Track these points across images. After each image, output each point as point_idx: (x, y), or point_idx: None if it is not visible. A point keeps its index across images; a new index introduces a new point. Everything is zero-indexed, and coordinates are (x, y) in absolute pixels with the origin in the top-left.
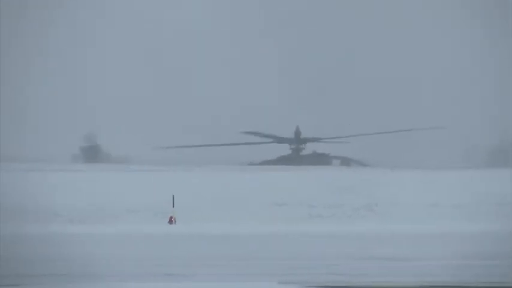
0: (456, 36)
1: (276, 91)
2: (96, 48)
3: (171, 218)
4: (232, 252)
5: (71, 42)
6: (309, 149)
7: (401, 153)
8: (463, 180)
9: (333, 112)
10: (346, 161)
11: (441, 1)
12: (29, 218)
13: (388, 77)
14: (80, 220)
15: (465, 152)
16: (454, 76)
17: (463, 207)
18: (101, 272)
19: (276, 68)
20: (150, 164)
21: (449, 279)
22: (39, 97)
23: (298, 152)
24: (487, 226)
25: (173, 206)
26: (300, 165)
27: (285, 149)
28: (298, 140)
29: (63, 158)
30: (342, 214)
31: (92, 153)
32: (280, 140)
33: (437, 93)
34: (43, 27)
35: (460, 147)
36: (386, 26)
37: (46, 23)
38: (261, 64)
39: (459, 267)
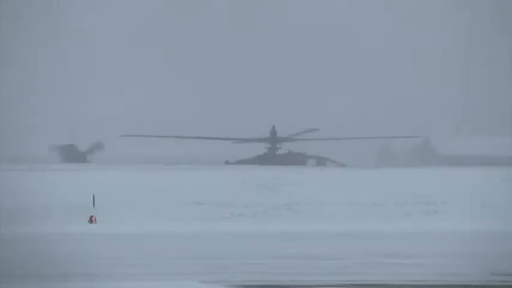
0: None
1: (253, 90)
2: (88, 48)
3: (91, 217)
4: (153, 251)
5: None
6: (284, 148)
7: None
8: (384, 179)
9: (311, 112)
10: (322, 161)
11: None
12: None
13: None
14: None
15: (383, 151)
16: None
17: (383, 207)
18: (26, 273)
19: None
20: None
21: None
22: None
23: (274, 151)
24: (405, 226)
25: (94, 206)
26: (275, 164)
27: (260, 149)
28: (273, 139)
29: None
30: (262, 213)
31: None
32: (255, 139)
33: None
34: (43, 28)
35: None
36: (375, 27)
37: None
38: (241, 63)
39: (377, 265)
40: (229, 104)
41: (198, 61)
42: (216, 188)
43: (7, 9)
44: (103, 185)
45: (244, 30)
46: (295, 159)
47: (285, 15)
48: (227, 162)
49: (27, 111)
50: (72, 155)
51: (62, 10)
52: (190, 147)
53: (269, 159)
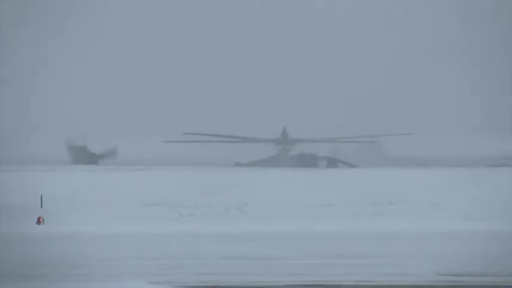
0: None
1: (265, 92)
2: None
3: (39, 218)
4: (103, 252)
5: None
6: (296, 149)
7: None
8: (333, 180)
9: (321, 114)
10: (333, 162)
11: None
12: None
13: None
14: None
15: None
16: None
17: (332, 207)
18: None
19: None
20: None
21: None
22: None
23: (286, 152)
24: (353, 226)
25: (41, 207)
26: (287, 166)
27: (273, 150)
28: (285, 140)
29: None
30: (212, 214)
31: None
32: (267, 140)
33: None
34: (42, 28)
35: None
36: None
37: (46, 23)
38: (253, 65)
39: (326, 266)
40: (240, 105)
41: (209, 62)
42: (165, 189)
43: (7, 9)
44: (52, 186)
45: (258, 31)
46: (307, 161)
47: (300, 16)
48: (238, 164)
49: (29, 111)
50: (84, 156)
51: (64, 10)
52: (198, 149)
53: (281, 160)
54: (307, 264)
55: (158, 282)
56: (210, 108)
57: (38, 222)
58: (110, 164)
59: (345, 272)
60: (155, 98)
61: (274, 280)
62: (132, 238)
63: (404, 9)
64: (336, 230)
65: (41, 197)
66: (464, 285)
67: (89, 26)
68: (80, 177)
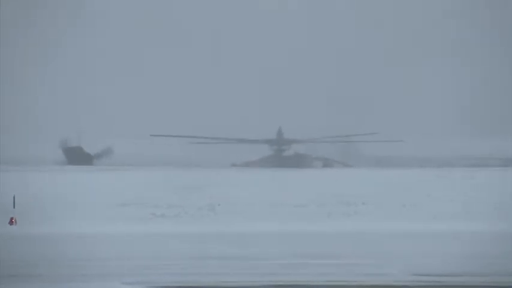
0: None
1: (260, 91)
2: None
3: (11, 219)
4: (75, 252)
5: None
6: (291, 150)
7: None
8: (306, 180)
9: (314, 114)
10: (328, 162)
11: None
12: None
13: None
14: None
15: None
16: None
17: (305, 207)
18: None
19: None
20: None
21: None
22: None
23: (281, 152)
24: (326, 226)
25: (14, 207)
26: (282, 166)
27: (267, 150)
28: (280, 141)
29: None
30: (184, 214)
31: None
32: (262, 141)
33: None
34: (44, 28)
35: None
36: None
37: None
38: (246, 66)
39: (299, 266)
40: (235, 105)
41: (203, 62)
42: (138, 189)
43: (7, 9)
44: (26, 186)
45: (252, 32)
46: (302, 161)
47: (293, 17)
48: (233, 164)
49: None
50: (79, 157)
51: (64, 10)
52: (195, 150)
53: (276, 160)
54: (280, 264)
55: (131, 283)
56: (204, 109)
57: (11, 222)
58: (100, 164)
59: (317, 272)
60: (148, 98)
61: (246, 280)
62: (105, 238)
63: (400, 9)
64: (309, 230)
65: (14, 197)
66: (458, 285)
67: (87, 26)
68: (57, 178)
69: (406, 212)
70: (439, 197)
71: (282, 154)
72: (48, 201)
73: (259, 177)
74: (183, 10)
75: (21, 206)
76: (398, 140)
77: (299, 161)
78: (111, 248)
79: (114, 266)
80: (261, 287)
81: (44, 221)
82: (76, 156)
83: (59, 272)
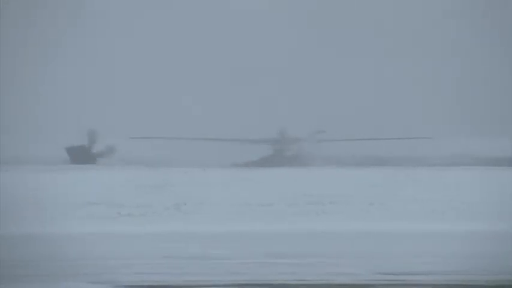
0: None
1: (261, 90)
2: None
3: None
4: (40, 252)
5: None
6: (292, 149)
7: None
8: (273, 179)
9: (318, 114)
10: (329, 161)
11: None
12: None
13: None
14: None
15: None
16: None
17: (272, 207)
18: None
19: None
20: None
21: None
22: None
23: (282, 152)
24: (293, 225)
25: None
26: (283, 166)
27: (268, 150)
28: (282, 140)
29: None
30: (151, 213)
31: None
32: (263, 140)
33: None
34: (44, 27)
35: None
36: (374, 29)
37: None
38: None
39: (267, 265)
40: (236, 104)
41: (204, 61)
42: (104, 188)
43: (8, 9)
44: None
45: (254, 30)
46: (303, 161)
47: (296, 15)
48: (234, 164)
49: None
50: (82, 156)
51: (65, 9)
52: (193, 149)
53: (277, 160)
54: (246, 263)
55: (98, 282)
56: (204, 109)
57: None
58: (103, 162)
59: (284, 272)
60: (147, 98)
61: (212, 279)
62: (71, 238)
63: (400, 9)
64: (276, 230)
65: None
66: (424, 284)
67: (90, 25)
68: (26, 178)
69: (374, 211)
70: (407, 196)
71: (283, 154)
72: (11, 201)
73: (228, 176)
74: (183, 10)
75: None
76: (427, 137)
77: (300, 161)
78: (77, 248)
79: (80, 265)
80: (227, 287)
81: (8, 222)
82: (79, 155)
83: (24, 273)
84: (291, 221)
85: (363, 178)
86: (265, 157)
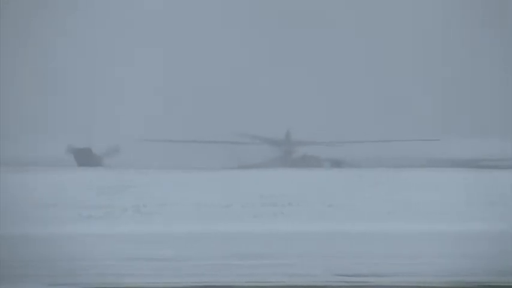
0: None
1: (268, 92)
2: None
3: None
4: (0, 254)
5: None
6: (299, 151)
7: None
8: (231, 180)
9: (326, 116)
10: (337, 164)
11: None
12: None
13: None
14: None
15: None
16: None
17: (230, 208)
18: None
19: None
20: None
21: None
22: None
23: (289, 154)
24: (252, 227)
25: None
26: (290, 167)
27: (275, 152)
28: (289, 142)
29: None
30: (111, 215)
31: None
32: (270, 142)
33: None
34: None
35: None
36: (379, 27)
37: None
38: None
39: (225, 267)
40: (243, 106)
41: (210, 61)
42: (64, 190)
43: (8, 9)
44: None
45: (262, 29)
46: (310, 163)
47: (304, 16)
48: (240, 166)
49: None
50: (88, 158)
51: (67, 9)
52: (199, 151)
53: (284, 162)
54: (204, 265)
55: (56, 284)
56: (208, 110)
57: None
58: (108, 164)
59: (242, 273)
60: (154, 98)
61: (171, 281)
62: (31, 239)
63: (399, 8)
64: (235, 231)
65: None
66: (382, 285)
67: (92, 25)
68: None
69: (332, 213)
70: (366, 197)
71: (290, 156)
72: None
73: (187, 177)
74: (183, 10)
75: None
76: (435, 139)
77: (307, 163)
78: (36, 249)
79: (39, 267)
80: None
81: None
82: (85, 158)
83: None
84: (249, 223)
85: (322, 179)
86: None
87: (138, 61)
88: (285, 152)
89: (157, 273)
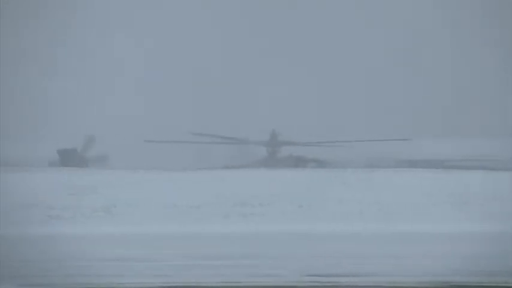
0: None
1: (254, 92)
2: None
3: None
4: None
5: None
6: (285, 152)
7: None
8: (202, 181)
9: (312, 116)
10: (323, 164)
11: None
12: None
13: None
14: None
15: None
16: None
17: (200, 208)
18: None
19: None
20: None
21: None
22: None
23: (275, 154)
24: (222, 227)
25: None
26: (276, 168)
27: (261, 152)
28: (274, 143)
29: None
30: (80, 215)
31: None
32: (255, 142)
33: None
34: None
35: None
36: (373, 25)
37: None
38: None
39: (194, 267)
40: (228, 106)
41: (197, 62)
42: (33, 190)
43: (8, 9)
44: None
45: (248, 31)
46: (296, 163)
47: (289, 16)
48: (227, 167)
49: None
50: (74, 159)
51: (67, 11)
52: (184, 151)
53: (270, 162)
54: (174, 265)
55: (27, 285)
56: (205, 109)
57: None
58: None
59: (210, 273)
60: (142, 99)
61: (140, 281)
62: (1, 240)
63: (399, 8)
64: (205, 232)
65: None
66: (350, 285)
67: (91, 28)
68: None
69: (302, 213)
70: (335, 198)
71: (276, 156)
72: None
73: (156, 178)
74: (182, 10)
75: None
76: (406, 139)
77: (293, 163)
78: (5, 251)
79: (9, 267)
80: None
81: None
82: (70, 159)
83: None
84: (220, 223)
85: (293, 180)
86: (258, 159)
87: (127, 62)
88: (270, 152)
89: (126, 273)
